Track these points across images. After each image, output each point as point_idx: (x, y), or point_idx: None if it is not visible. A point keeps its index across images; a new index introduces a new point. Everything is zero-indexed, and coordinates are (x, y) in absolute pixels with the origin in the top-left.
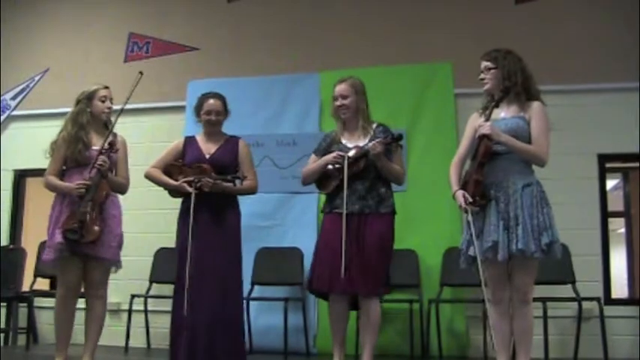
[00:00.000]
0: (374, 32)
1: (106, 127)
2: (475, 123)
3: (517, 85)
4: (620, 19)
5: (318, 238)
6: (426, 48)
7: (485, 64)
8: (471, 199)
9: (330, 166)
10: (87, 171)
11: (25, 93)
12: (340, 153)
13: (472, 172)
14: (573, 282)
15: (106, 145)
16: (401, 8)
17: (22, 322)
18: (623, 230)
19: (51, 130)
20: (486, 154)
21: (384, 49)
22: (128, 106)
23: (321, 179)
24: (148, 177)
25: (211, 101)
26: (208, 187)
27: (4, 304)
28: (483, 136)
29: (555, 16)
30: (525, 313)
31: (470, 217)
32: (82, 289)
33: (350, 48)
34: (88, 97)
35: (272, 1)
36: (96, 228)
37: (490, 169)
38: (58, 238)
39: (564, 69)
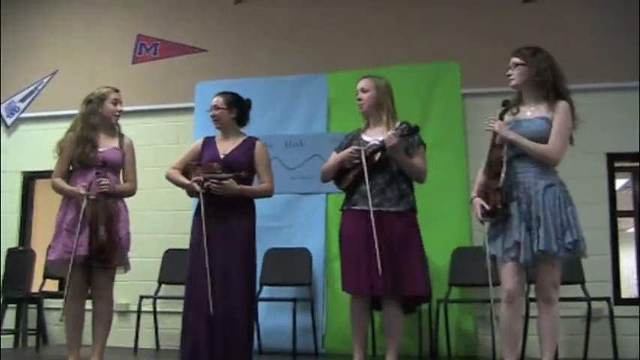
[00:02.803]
0: (381, 32)
1: (113, 129)
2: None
3: (547, 83)
4: (636, 13)
5: (340, 237)
6: (433, 47)
7: (513, 60)
8: (488, 207)
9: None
10: (90, 174)
11: (33, 95)
12: (356, 147)
13: (490, 182)
14: (582, 282)
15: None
16: (408, 8)
17: (32, 323)
18: (632, 230)
19: (60, 132)
20: (498, 163)
21: (391, 49)
22: (136, 108)
23: (340, 175)
24: (167, 178)
25: (214, 98)
26: (214, 188)
27: (14, 305)
28: (493, 146)
29: (566, 12)
30: (550, 312)
31: (486, 222)
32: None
33: (357, 48)
34: (100, 99)
35: (279, 2)
36: (117, 250)
37: (512, 170)
38: (62, 241)
39: (574, 67)
